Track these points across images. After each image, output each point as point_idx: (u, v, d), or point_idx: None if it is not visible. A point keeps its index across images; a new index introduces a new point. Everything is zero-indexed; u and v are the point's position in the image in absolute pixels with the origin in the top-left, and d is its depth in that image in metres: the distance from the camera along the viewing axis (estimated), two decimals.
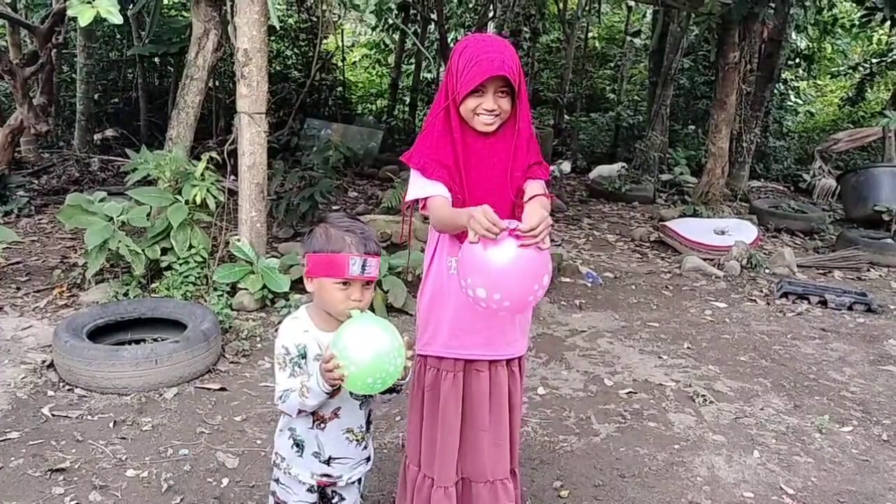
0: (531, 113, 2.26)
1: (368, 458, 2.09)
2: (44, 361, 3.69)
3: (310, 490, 2.02)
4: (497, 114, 2.11)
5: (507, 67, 2.04)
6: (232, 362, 3.91)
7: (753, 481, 3.08)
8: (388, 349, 1.72)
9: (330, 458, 1.97)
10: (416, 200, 2.18)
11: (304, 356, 1.89)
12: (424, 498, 2.32)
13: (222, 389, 3.61)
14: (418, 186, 2.15)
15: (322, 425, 1.95)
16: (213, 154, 4.76)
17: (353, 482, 2.06)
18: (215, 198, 4.57)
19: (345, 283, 1.83)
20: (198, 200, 4.50)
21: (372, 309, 4.86)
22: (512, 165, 2.16)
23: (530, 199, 2.08)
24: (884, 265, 6.95)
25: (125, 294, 4.42)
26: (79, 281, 4.70)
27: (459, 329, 2.20)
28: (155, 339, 3.95)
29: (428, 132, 2.19)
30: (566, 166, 10.90)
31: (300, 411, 1.88)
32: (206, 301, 4.43)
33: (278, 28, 5.42)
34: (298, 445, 1.96)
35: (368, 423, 2.06)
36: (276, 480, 2.06)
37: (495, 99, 2.08)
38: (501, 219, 2.15)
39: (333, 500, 2.08)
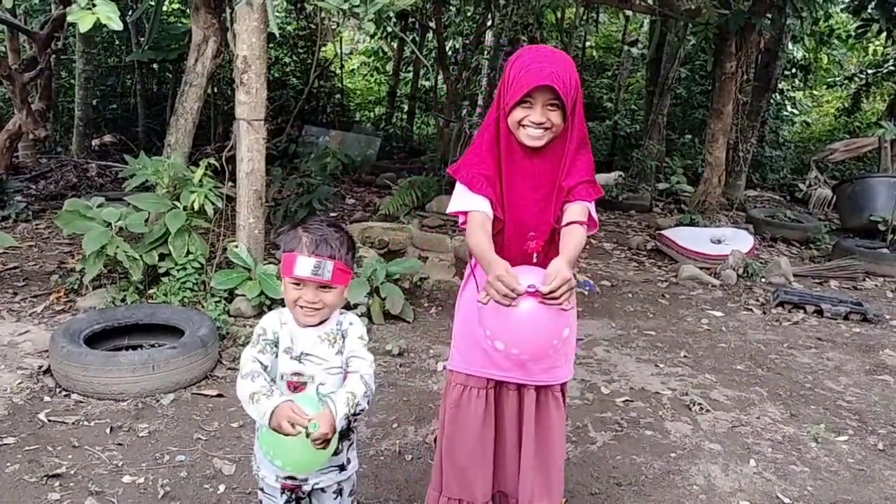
0: (587, 129, 2.12)
1: (342, 467, 2.03)
2: (40, 367, 3.69)
3: (288, 501, 2.01)
4: (547, 127, 1.97)
5: (557, 78, 1.90)
6: (229, 368, 3.90)
7: (750, 490, 3.09)
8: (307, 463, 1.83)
9: None
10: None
11: (276, 343, 1.94)
12: None
13: (219, 396, 3.60)
14: (461, 199, 2.05)
15: None
16: (212, 160, 4.76)
17: (325, 489, 2.02)
18: (213, 204, 4.57)
19: (297, 283, 1.84)
20: (196, 206, 4.50)
21: (369, 315, 4.83)
22: (557, 187, 2.03)
23: (567, 224, 1.99)
24: (879, 275, 6.98)
25: (122, 300, 4.42)
26: (76, 286, 4.70)
27: (493, 350, 2.09)
28: (152, 345, 3.95)
29: (477, 145, 2.10)
30: None
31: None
32: (203, 307, 4.43)
33: (277, 35, 5.43)
34: None
35: (348, 429, 2.01)
36: (262, 489, 2.06)
37: (544, 112, 1.95)
38: (539, 245, 2.04)
39: None
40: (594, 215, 2.09)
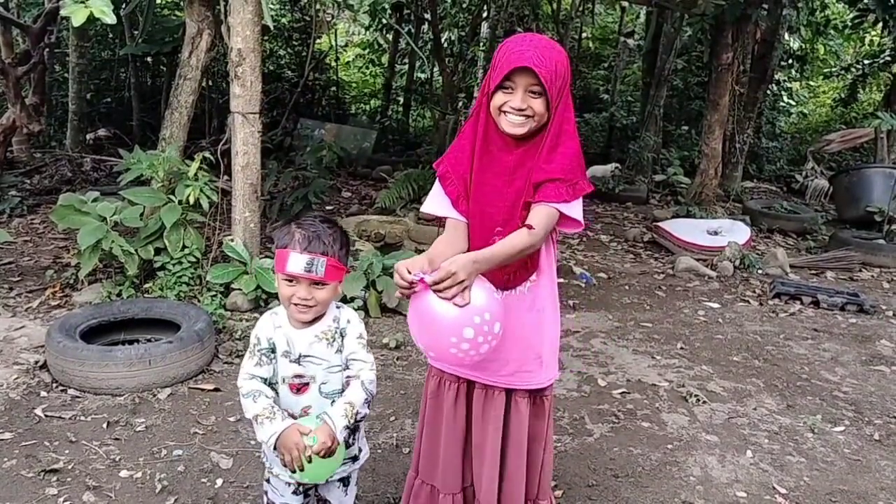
0: (575, 124, 2.01)
1: (355, 458, 2.07)
2: (37, 362, 3.68)
3: (295, 493, 2.02)
4: (528, 115, 1.89)
5: (538, 62, 1.83)
6: (226, 363, 3.90)
7: (746, 481, 3.10)
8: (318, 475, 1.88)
9: None
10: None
11: (273, 350, 1.93)
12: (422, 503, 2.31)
13: (216, 390, 3.60)
14: (434, 200, 2.07)
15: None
16: (207, 154, 4.75)
17: (335, 481, 2.05)
18: (209, 198, 4.55)
19: (290, 280, 1.83)
20: (191, 200, 4.49)
21: (366, 308, 4.82)
22: (528, 182, 1.95)
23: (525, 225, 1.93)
24: (876, 265, 6.99)
25: (118, 294, 4.41)
26: (72, 281, 4.69)
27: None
28: (148, 340, 3.94)
29: (462, 134, 2.07)
30: None
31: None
32: (199, 301, 4.42)
33: (272, 28, 5.41)
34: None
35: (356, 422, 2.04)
36: (267, 481, 2.07)
37: (525, 98, 1.88)
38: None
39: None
40: (573, 215, 1.96)
